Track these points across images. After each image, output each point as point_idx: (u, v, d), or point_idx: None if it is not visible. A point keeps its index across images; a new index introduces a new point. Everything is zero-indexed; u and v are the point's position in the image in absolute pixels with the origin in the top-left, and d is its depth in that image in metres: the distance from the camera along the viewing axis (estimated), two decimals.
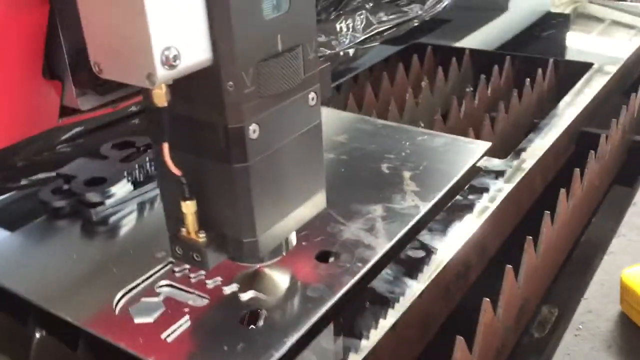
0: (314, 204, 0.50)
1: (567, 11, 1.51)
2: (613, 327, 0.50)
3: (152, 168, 0.70)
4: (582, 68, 1.03)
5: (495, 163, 0.72)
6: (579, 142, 0.89)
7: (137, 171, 0.68)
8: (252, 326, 0.49)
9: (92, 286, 0.55)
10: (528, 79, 0.98)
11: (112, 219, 0.65)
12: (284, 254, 0.53)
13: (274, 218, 0.47)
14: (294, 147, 0.46)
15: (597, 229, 0.96)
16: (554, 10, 1.50)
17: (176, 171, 0.42)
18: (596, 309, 0.52)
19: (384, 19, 1.20)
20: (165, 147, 0.42)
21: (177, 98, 0.40)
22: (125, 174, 0.67)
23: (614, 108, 0.92)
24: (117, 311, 0.51)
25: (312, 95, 0.46)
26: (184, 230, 0.45)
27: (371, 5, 1.21)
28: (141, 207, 0.67)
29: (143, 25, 0.36)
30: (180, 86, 0.39)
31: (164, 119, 0.41)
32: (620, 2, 1.53)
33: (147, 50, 0.36)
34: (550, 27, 1.42)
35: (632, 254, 0.58)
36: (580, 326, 0.50)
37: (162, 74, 0.37)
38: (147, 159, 0.70)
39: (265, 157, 0.44)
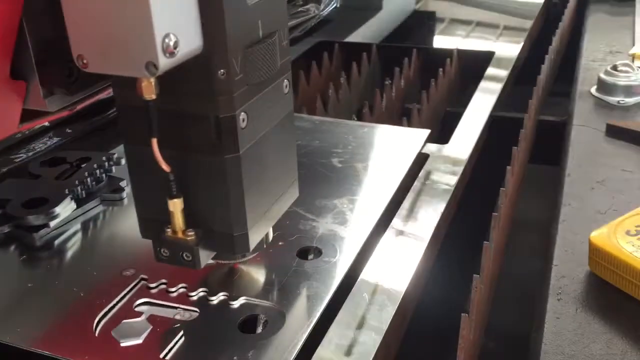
0: (290, 194, 0.50)
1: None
2: (588, 288, 0.53)
3: (94, 183, 0.65)
4: (484, 57, 1.09)
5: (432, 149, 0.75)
6: (491, 127, 0.95)
7: (79, 188, 0.63)
8: (257, 332, 0.47)
9: (62, 315, 0.50)
10: (441, 69, 1.03)
11: (57, 241, 0.60)
12: (264, 246, 0.52)
13: (261, 209, 0.46)
14: (274, 136, 0.46)
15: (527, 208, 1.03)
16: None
17: (166, 167, 0.40)
18: (568, 274, 0.55)
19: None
20: (155, 142, 0.39)
21: (161, 92, 0.38)
22: (67, 191, 0.62)
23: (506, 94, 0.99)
24: (97, 336, 0.47)
25: (285, 82, 0.46)
26: (168, 230, 0.43)
27: None
28: (86, 226, 0.62)
29: (144, 11, 0.34)
30: (165, 79, 0.37)
31: (153, 113, 0.39)
32: None
33: (149, 38, 0.34)
34: (418, 24, 1.54)
35: (580, 219, 0.63)
36: (559, 291, 0.53)
37: (164, 62, 0.35)
38: (86, 174, 0.65)
39: (252, 147, 0.43)
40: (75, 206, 0.62)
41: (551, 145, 0.96)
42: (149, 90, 0.37)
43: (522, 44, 1.16)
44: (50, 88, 0.42)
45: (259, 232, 0.46)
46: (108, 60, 0.36)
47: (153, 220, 0.44)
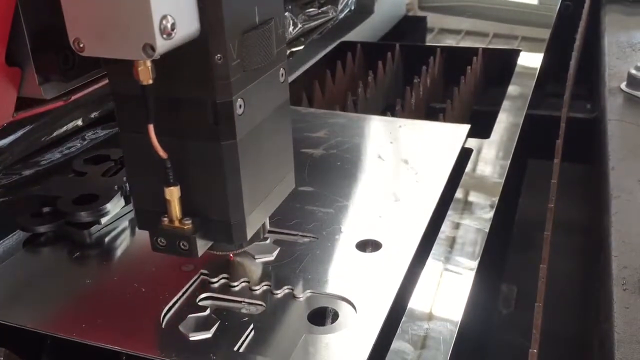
0: (287, 185, 0.50)
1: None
2: None
3: None
4: (508, 55, 1.09)
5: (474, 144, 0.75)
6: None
7: (127, 185, 0.62)
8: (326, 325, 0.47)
9: (128, 311, 0.49)
10: (469, 67, 1.03)
11: (108, 238, 0.59)
12: (261, 237, 0.51)
13: (258, 197, 0.46)
14: (270, 125, 0.45)
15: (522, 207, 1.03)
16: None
17: (163, 154, 0.40)
18: (629, 264, 0.55)
19: (307, 20, 1.21)
20: (151, 128, 0.39)
21: (157, 78, 0.38)
22: (116, 188, 0.61)
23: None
24: (165, 331, 0.46)
25: (281, 71, 0.46)
26: (165, 220, 0.43)
27: (290, 7, 1.21)
28: (135, 222, 0.61)
29: None
30: (161, 65, 0.37)
31: (149, 98, 0.38)
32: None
33: (146, 20, 0.34)
34: (411, 28, 1.54)
35: (633, 211, 0.62)
36: (624, 281, 0.53)
37: (162, 44, 0.35)
38: None
39: (249, 134, 0.43)
40: (124, 202, 0.62)
41: (578, 143, 0.96)
42: (145, 74, 0.37)
43: (546, 42, 1.17)
44: (46, 75, 0.41)
45: (256, 220, 0.46)
46: (105, 43, 0.36)
47: (150, 211, 0.44)
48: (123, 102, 0.41)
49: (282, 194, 0.49)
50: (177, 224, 0.43)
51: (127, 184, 0.44)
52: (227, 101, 0.40)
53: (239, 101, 0.41)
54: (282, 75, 0.46)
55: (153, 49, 0.35)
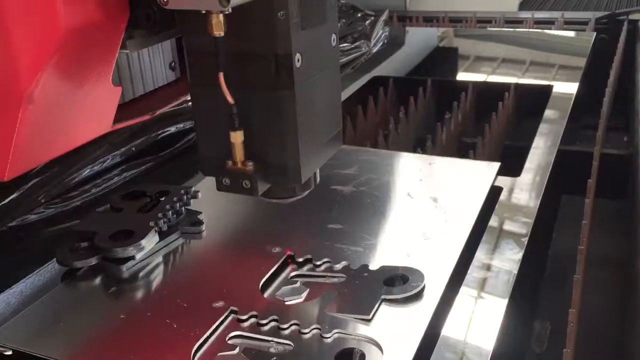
0: (336, 142, 0.55)
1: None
2: None
3: (174, 217, 0.66)
4: (540, 90, 1.09)
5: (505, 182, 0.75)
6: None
7: (162, 221, 0.64)
8: None
9: (159, 347, 0.50)
10: (501, 103, 1.03)
11: (142, 273, 0.61)
12: (312, 187, 0.55)
13: (311, 146, 0.50)
14: (322, 82, 0.50)
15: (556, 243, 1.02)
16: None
17: (230, 99, 0.45)
18: None
19: (341, 55, 1.23)
20: (221, 76, 0.44)
21: (227, 34, 0.43)
22: (151, 224, 0.63)
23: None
24: None
25: (333, 36, 0.52)
26: (229, 162, 0.48)
27: None
28: (168, 258, 0.63)
29: None
30: (231, 21, 0.43)
31: (220, 49, 0.44)
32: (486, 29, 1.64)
33: None
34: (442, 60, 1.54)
35: None
36: None
37: None
38: (167, 207, 0.66)
39: (305, 86, 0.48)
40: (158, 239, 0.63)
41: (612, 179, 0.95)
42: (218, 27, 0.43)
43: (579, 77, 1.16)
44: (131, 31, 0.49)
45: (309, 167, 0.51)
46: None
47: (214, 158, 0.49)
48: (196, 58, 0.48)
49: (332, 149, 0.54)
50: (240, 165, 0.48)
51: (195, 136, 0.52)
52: (287, 54, 0.45)
53: (298, 55, 0.46)
54: (333, 40, 0.52)
55: (228, 0, 0.41)
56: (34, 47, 0.41)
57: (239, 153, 0.47)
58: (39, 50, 0.42)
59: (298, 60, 0.46)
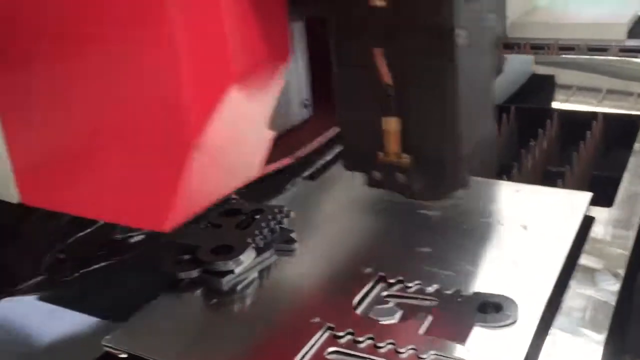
0: (489, 136, 0.51)
1: None
2: None
3: (269, 234, 0.69)
4: (629, 120, 1.07)
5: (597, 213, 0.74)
6: None
7: (258, 238, 0.67)
8: None
9: (262, 357, 0.53)
10: (589, 132, 1.02)
11: (240, 287, 0.64)
12: (467, 186, 0.49)
13: (470, 141, 0.45)
14: (482, 66, 0.47)
15: None
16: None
17: (388, 78, 0.41)
18: None
19: None
20: (379, 52, 0.41)
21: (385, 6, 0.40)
22: (249, 240, 0.66)
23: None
24: None
25: (491, 15, 0.48)
26: (381, 154, 0.43)
27: None
28: (264, 274, 0.66)
29: None
30: None
31: (381, 21, 0.40)
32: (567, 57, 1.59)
33: None
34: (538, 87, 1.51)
35: None
36: None
37: None
38: (263, 225, 0.69)
39: (466, 68, 0.43)
40: (255, 255, 0.66)
41: None
42: None
43: None
44: None
45: (467, 163, 0.46)
46: None
47: (361, 151, 0.44)
48: (344, 35, 0.43)
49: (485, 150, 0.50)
50: (393, 158, 0.43)
51: (338, 126, 0.46)
52: (452, 29, 0.41)
53: (461, 31, 0.42)
54: (490, 19, 0.48)
55: None
56: (204, 93, 0.39)
57: (393, 143, 0.42)
58: (208, 96, 0.39)
59: (461, 37, 0.42)
